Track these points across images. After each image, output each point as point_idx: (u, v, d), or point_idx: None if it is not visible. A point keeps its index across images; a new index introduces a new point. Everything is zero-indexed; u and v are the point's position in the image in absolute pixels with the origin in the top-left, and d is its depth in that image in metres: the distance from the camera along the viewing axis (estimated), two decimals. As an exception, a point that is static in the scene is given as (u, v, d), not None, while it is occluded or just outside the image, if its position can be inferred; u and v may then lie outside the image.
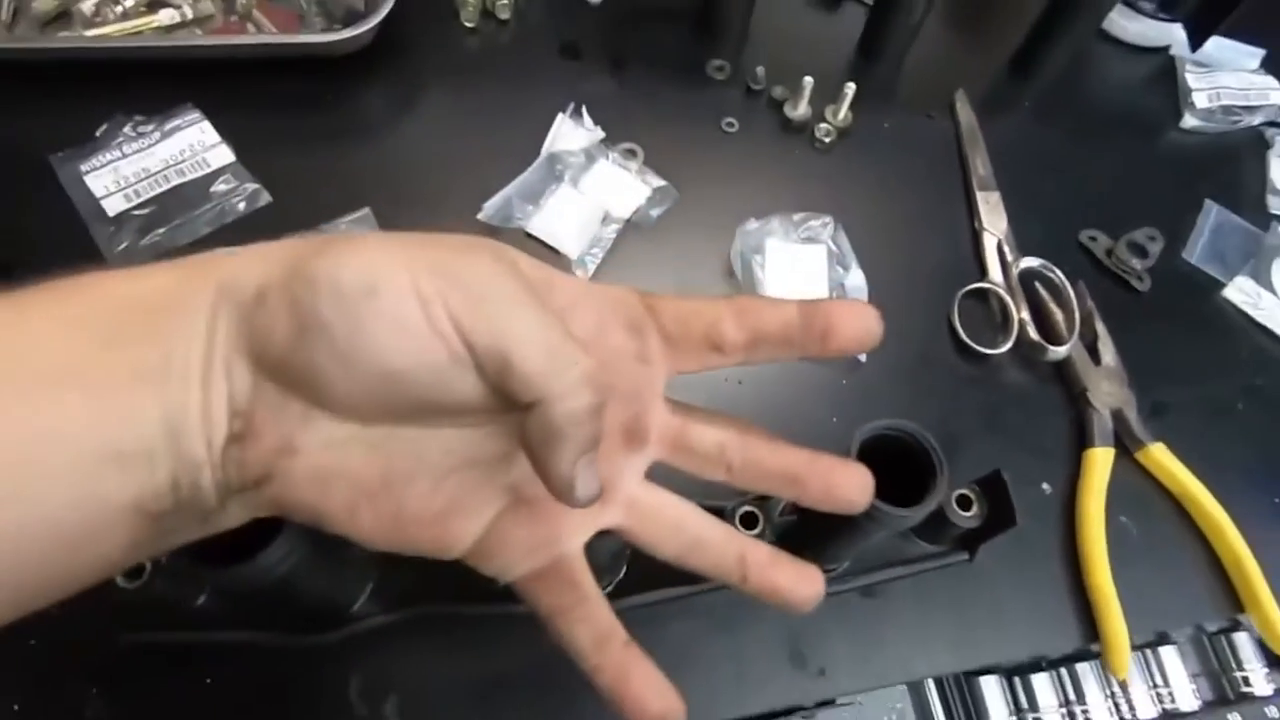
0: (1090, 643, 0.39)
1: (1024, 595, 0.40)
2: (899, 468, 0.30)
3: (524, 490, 0.22)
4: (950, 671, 0.41)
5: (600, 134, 0.50)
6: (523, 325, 0.18)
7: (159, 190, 0.44)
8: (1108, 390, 0.45)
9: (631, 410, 0.23)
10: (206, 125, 0.46)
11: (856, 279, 0.47)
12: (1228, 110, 0.57)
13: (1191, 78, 0.57)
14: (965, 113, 0.55)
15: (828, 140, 0.52)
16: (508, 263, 0.20)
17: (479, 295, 0.18)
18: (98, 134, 0.45)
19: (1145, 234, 0.51)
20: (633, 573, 0.37)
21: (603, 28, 0.56)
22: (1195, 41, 0.55)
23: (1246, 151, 0.57)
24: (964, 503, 0.36)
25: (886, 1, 0.55)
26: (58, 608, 0.18)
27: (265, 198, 0.45)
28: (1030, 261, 0.48)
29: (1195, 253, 0.51)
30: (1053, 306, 0.47)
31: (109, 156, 0.44)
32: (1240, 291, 0.50)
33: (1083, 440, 0.44)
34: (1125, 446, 0.44)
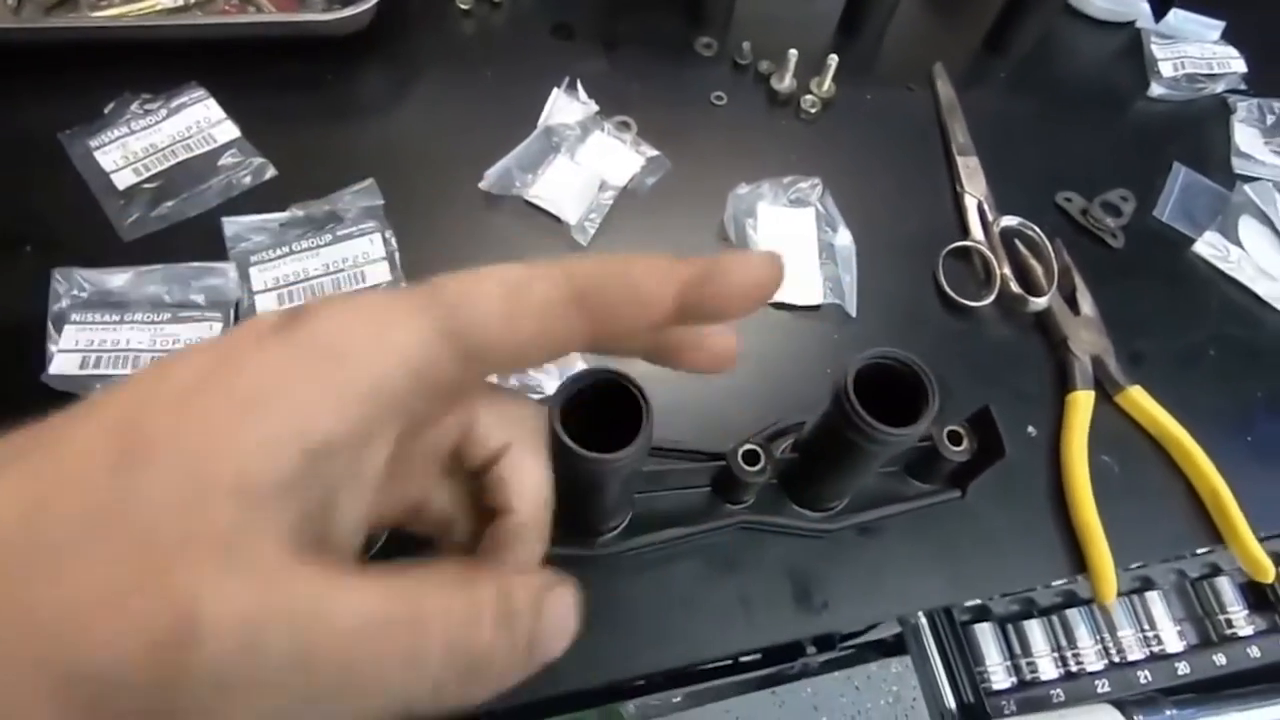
0: (1078, 572, 0.41)
1: (1014, 531, 0.42)
2: (893, 398, 0.31)
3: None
4: (946, 603, 0.43)
5: (594, 107, 0.52)
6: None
7: (167, 165, 0.45)
8: (1087, 338, 0.47)
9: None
10: (212, 102, 0.48)
11: (844, 238, 0.49)
12: (1192, 78, 0.59)
13: (1157, 48, 0.60)
14: (944, 85, 0.57)
15: (813, 111, 0.54)
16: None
17: None
18: (105, 111, 0.46)
19: (1118, 194, 0.54)
20: (638, 514, 0.38)
21: (593, 10, 0.58)
22: (1159, 13, 0.57)
23: (1210, 117, 0.60)
24: (954, 438, 0.38)
25: (865, -19, 0.58)
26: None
27: (271, 171, 0.46)
28: (1009, 220, 0.50)
29: (1165, 211, 0.54)
30: (1032, 261, 0.49)
31: (117, 133, 0.46)
32: (1210, 246, 0.52)
33: (1065, 385, 0.46)
34: (1105, 392, 0.46)
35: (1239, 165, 0.57)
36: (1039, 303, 0.47)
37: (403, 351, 0.16)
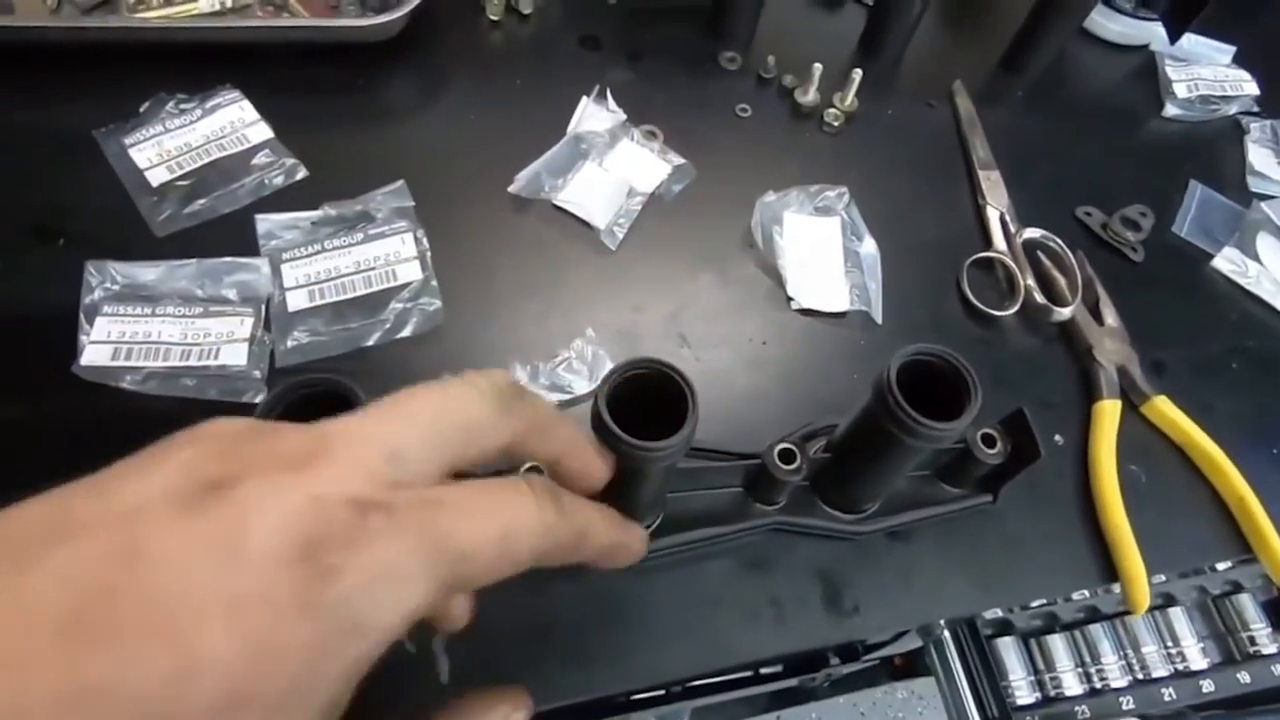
0: (1108, 581, 0.41)
1: (1043, 539, 0.42)
2: (933, 395, 0.32)
3: None
4: (977, 610, 0.42)
5: (622, 116, 0.52)
6: None
7: (200, 163, 0.46)
8: (1111, 347, 0.47)
9: None
10: (246, 104, 0.48)
11: (870, 246, 0.49)
12: (1205, 100, 0.60)
13: (1171, 70, 0.61)
14: (964, 101, 0.58)
15: (836, 124, 0.55)
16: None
17: None
18: (140, 110, 0.47)
19: (1137, 210, 0.54)
20: (669, 514, 0.38)
21: (619, 23, 0.59)
22: (1173, 34, 0.58)
23: (1224, 137, 0.61)
24: (988, 441, 0.38)
25: (885, 2, 0.59)
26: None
27: (302, 172, 0.47)
28: (1033, 232, 0.51)
29: (1184, 227, 0.54)
30: (1055, 273, 0.50)
31: (152, 131, 0.46)
32: (1228, 261, 0.53)
33: (1090, 394, 0.46)
34: (1130, 401, 0.46)
35: (1254, 184, 0.58)
36: (1064, 313, 0.48)
37: (413, 612, 0.17)
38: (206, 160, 0.46)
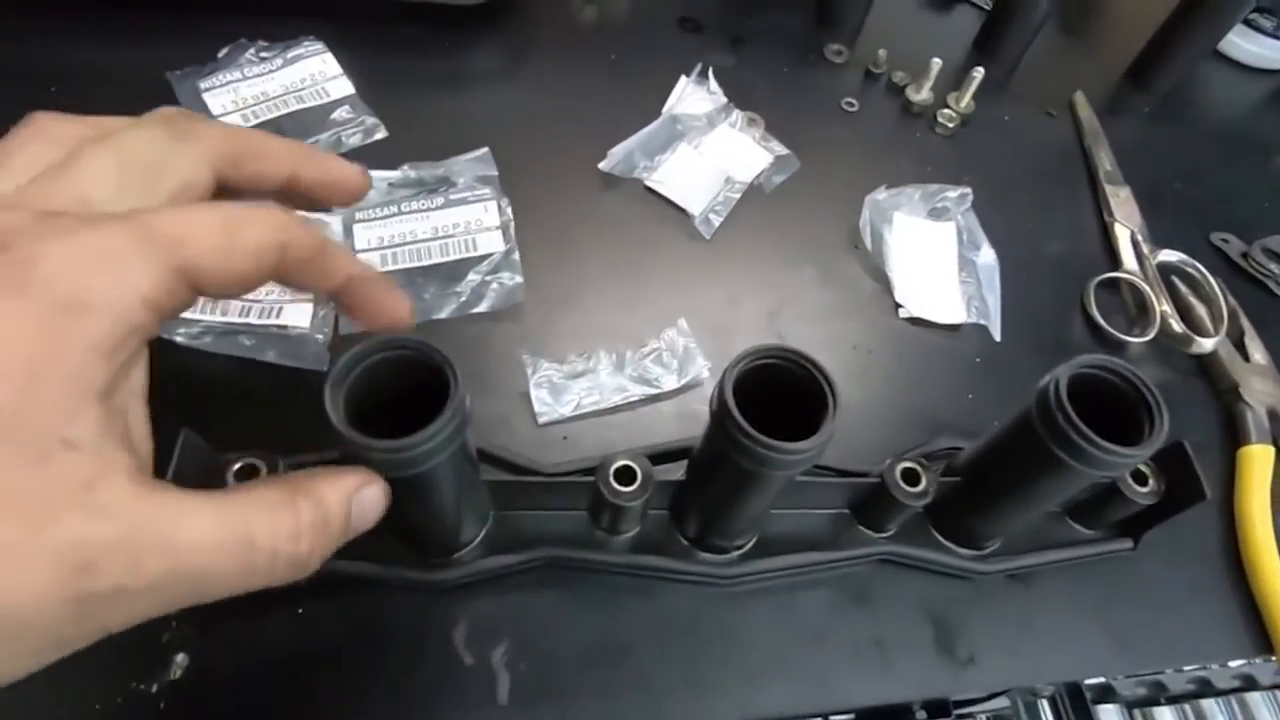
0: (1263, 653, 0.35)
1: (1185, 598, 0.36)
2: (1099, 417, 0.27)
3: None
4: (1108, 673, 0.37)
5: (723, 99, 0.49)
6: None
7: (277, 114, 0.43)
8: (1261, 388, 0.42)
9: None
10: (329, 57, 0.45)
11: (988, 256, 0.45)
12: (1354, 129, 0.55)
13: (1315, 95, 0.56)
14: (1086, 112, 0.54)
15: (950, 125, 0.51)
16: None
17: None
18: (219, 56, 0.44)
19: (1278, 241, 0.49)
20: (763, 534, 0.33)
21: (722, 6, 0.55)
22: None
23: (1376, 173, 0.55)
24: (1139, 478, 0.33)
25: (1006, 3, 0.55)
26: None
27: (381, 132, 0.44)
28: (1169, 255, 0.46)
29: (1333, 263, 0.49)
30: (1193, 300, 0.45)
31: (229, 77, 0.43)
32: (1386, 304, 0.47)
33: (1236, 438, 0.41)
34: (1280, 449, 0.41)
35: None
36: (1205, 344, 0.43)
37: (142, 293, 0.18)
38: (284, 111, 0.43)
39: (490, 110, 0.47)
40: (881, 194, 0.45)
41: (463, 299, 0.38)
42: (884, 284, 0.43)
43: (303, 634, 0.30)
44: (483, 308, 0.38)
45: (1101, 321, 0.43)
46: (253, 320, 0.35)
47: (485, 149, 0.43)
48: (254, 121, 0.42)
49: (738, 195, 0.45)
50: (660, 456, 0.32)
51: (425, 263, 0.39)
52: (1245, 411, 0.41)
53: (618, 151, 0.44)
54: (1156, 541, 0.36)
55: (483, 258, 0.39)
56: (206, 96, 0.42)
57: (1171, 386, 0.43)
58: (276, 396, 0.34)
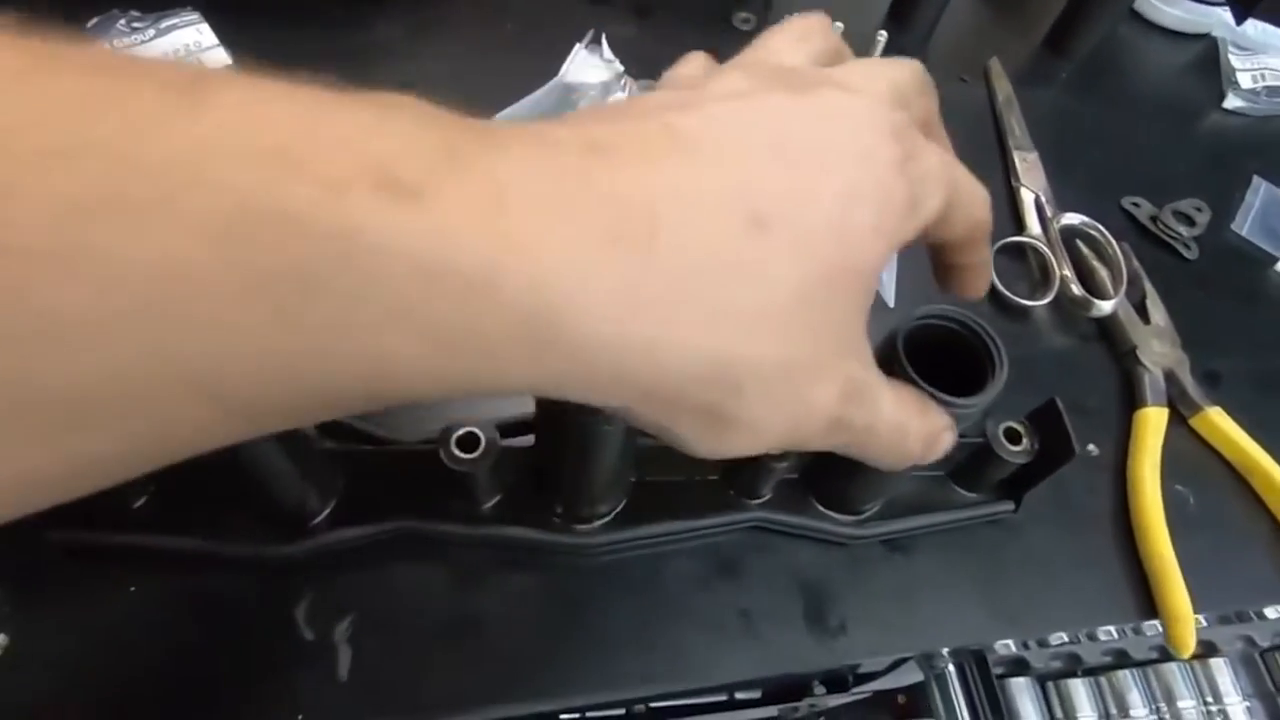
0: (1147, 617, 0.35)
1: (1071, 561, 0.36)
2: (948, 371, 0.26)
3: None
4: (988, 640, 0.36)
5: (619, 67, 0.47)
6: None
7: (147, 84, 0.41)
8: (1159, 350, 0.41)
9: None
10: (205, 27, 0.44)
11: (886, 222, 0.43)
12: (1273, 91, 0.55)
13: (1235, 59, 0.56)
14: (1000, 79, 0.53)
15: (857, 92, 0.50)
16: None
17: None
18: (89, 26, 0.43)
19: (1191, 204, 0.48)
20: (630, 500, 0.32)
21: (627, -24, 0.54)
22: (1240, 15, 0.53)
23: (1293, 134, 0.55)
24: (1012, 436, 0.32)
25: (919, -31, 0.54)
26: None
27: (260, 103, 0.42)
28: (1072, 218, 0.45)
29: (1245, 226, 0.48)
30: (1096, 263, 0.44)
31: (98, 47, 0.42)
32: (1296, 265, 0.47)
33: (1132, 401, 0.40)
34: (1178, 412, 0.40)
35: (1326, 184, 0.51)
36: (1104, 306, 0.42)
37: (928, 220, 0.19)
38: (154, 82, 0.42)
39: (381, 82, 0.45)
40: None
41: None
42: (778, 251, 0.42)
43: (133, 612, 0.29)
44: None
45: (1001, 287, 0.43)
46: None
47: (366, 119, 0.42)
48: (122, 92, 0.41)
49: (629, 163, 0.44)
50: (514, 427, 0.31)
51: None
52: (1142, 374, 0.40)
53: (504, 116, 0.43)
54: (1046, 508, 0.36)
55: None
56: (73, 67, 0.41)
57: (1072, 350, 0.42)
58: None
